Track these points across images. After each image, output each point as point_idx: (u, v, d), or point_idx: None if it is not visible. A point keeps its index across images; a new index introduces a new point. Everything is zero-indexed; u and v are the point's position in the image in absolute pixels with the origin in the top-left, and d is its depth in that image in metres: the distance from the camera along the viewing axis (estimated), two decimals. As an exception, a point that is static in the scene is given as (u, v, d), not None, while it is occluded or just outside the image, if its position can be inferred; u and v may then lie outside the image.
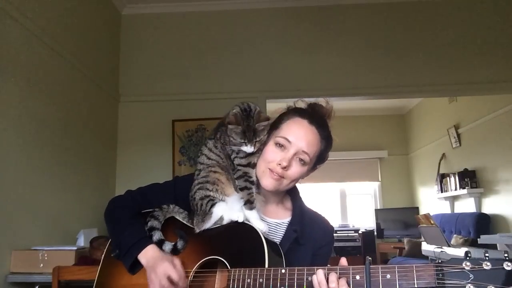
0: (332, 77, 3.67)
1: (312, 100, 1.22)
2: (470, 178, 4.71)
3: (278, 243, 1.13)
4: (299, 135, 1.11)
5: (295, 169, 1.12)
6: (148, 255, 1.08)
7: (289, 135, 1.11)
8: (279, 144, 1.12)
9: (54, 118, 2.66)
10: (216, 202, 1.09)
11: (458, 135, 5.10)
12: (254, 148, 1.09)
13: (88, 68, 3.12)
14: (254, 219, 1.08)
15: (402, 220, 6.29)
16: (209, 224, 1.08)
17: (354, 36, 3.72)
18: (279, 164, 1.10)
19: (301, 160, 1.11)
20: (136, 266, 1.11)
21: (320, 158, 1.17)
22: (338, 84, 3.65)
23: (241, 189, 1.10)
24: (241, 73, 3.70)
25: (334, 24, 3.75)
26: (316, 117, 1.15)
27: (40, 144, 2.50)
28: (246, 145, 1.09)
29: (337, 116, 1.19)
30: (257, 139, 1.09)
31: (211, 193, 1.10)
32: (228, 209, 1.08)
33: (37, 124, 2.48)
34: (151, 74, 3.73)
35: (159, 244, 1.10)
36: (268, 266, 0.97)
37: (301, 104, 1.21)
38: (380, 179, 6.88)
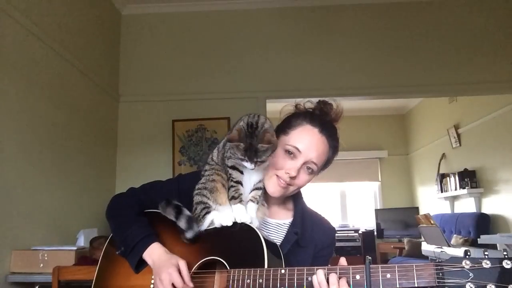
0: (332, 77, 3.67)
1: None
2: (470, 178, 4.71)
3: (278, 244, 1.13)
4: (309, 145, 1.09)
5: (303, 177, 1.11)
6: (154, 255, 1.07)
7: (299, 144, 1.09)
8: (289, 151, 1.10)
9: (54, 118, 2.66)
10: (210, 211, 1.08)
11: (458, 135, 5.10)
12: (255, 166, 1.05)
13: (88, 68, 3.12)
14: (238, 213, 1.06)
15: (402, 220, 6.28)
16: (201, 228, 1.08)
17: (354, 36, 3.72)
18: (287, 173, 1.09)
19: (309, 168, 1.11)
20: (141, 264, 1.10)
21: (325, 165, 1.16)
22: (338, 84, 3.65)
23: (228, 189, 1.10)
24: (241, 73, 3.70)
25: (334, 24, 3.75)
26: (327, 125, 1.13)
27: (40, 144, 2.50)
28: (246, 162, 1.04)
29: (339, 116, 1.19)
30: (259, 160, 1.03)
31: (208, 201, 1.09)
32: (219, 215, 1.07)
33: (37, 124, 2.48)
34: (151, 74, 3.73)
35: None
36: (268, 267, 0.97)
37: (310, 104, 1.18)
38: (380, 179, 6.88)
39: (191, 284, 1.02)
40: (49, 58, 2.62)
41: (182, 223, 1.07)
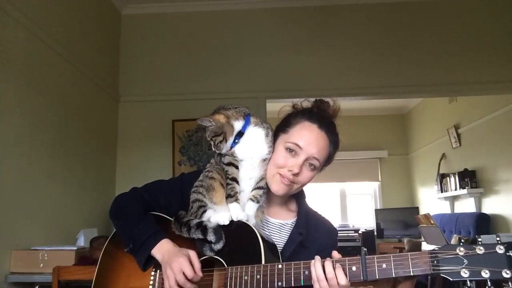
0: (332, 77, 3.67)
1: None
2: (470, 178, 4.71)
3: (282, 244, 1.13)
4: (309, 141, 1.10)
5: (306, 174, 1.12)
6: (163, 249, 1.07)
7: (299, 140, 1.10)
8: (290, 149, 1.11)
9: (54, 118, 2.66)
10: (206, 210, 1.09)
11: (458, 135, 5.10)
12: (214, 147, 1.12)
13: (88, 68, 3.12)
14: (234, 211, 1.06)
15: (402, 220, 6.28)
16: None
17: (354, 36, 3.72)
18: (290, 171, 1.09)
19: (311, 165, 1.11)
20: (148, 262, 1.10)
21: (327, 161, 1.17)
22: (338, 84, 3.65)
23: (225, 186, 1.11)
24: (241, 73, 3.70)
25: (334, 24, 3.75)
26: (325, 121, 1.14)
27: (40, 144, 2.50)
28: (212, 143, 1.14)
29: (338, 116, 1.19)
30: (207, 137, 1.12)
31: (204, 199, 1.10)
32: (216, 213, 1.08)
33: (37, 124, 2.48)
34: (151, 74, 3.73)
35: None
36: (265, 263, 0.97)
37: (307, 103, 1.19)
38: (380, 179, 6.88)
39: (200, 273, 1.01)
40: (49, 58, 2.62)
41: (211, 237, 1.03)
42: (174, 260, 1.02)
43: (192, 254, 1.04)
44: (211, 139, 1.11)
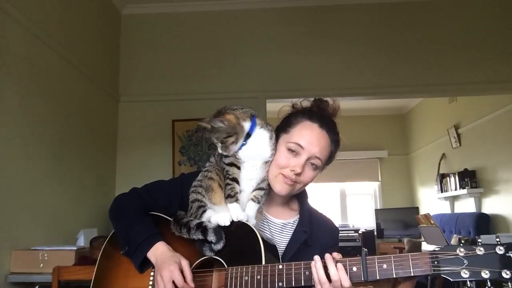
0: (332, 77, 3.67)
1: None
2: (470, 178, 4.71)
3: (285, 243, 1.13)
4: (311, 141, 1.10)
5: (308, 174, 1.12)
6: (157, 253, 1.07)
7: (301, 140, 1.10)
8: (291, 149, 1.11)
9: (54, 118, 2.66)
10: (206, 210, 1.09)
11: (458, 135, 5.10)
12: (221, 148, 1.08)
13: (88, 68, 3.12)
14: (234, 211, 1.06)
15: (402, 220, 6.28)
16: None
17: (354, 36, 3.72)
18: (293, 171, 1.09)
19: (313, 164, 1.11)
20: (145, 264, 1.10)
21: (329, 160, 1.17)
22: (338, 84, 3.65)
23: (225, 187, 1.10)
24: (241, 73, 3.70)
25: (334, 24, 3.75)
26: (326, 120, 1.14)
27: (40, 144, 2.50)
28: (216, 143, 1.10)
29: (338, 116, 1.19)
30: (214, 137, 1.07)
31: (203, 199, 1.09)
32: (216, 214, 1.07)
33: (37, 124, 2.48)
34: (151, 74, 3.73)
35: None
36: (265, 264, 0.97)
37: (306, 103, 1.19)
38: (380, 179, 6.88)
39: (192, 284, 1.01)
40: (49, 58, 2.62)
41: (211, 237, 1.03)
42: (165, 268, 1.01)
43: (184, 263, 1.03)
44: (221, 141, 1.07)
